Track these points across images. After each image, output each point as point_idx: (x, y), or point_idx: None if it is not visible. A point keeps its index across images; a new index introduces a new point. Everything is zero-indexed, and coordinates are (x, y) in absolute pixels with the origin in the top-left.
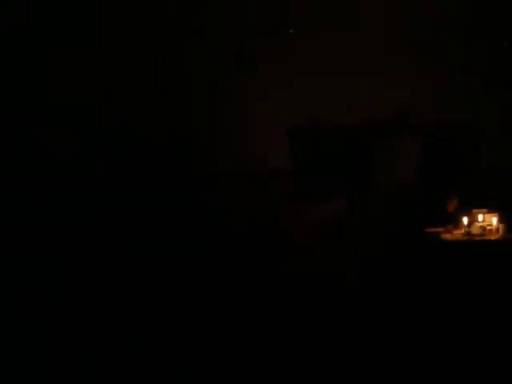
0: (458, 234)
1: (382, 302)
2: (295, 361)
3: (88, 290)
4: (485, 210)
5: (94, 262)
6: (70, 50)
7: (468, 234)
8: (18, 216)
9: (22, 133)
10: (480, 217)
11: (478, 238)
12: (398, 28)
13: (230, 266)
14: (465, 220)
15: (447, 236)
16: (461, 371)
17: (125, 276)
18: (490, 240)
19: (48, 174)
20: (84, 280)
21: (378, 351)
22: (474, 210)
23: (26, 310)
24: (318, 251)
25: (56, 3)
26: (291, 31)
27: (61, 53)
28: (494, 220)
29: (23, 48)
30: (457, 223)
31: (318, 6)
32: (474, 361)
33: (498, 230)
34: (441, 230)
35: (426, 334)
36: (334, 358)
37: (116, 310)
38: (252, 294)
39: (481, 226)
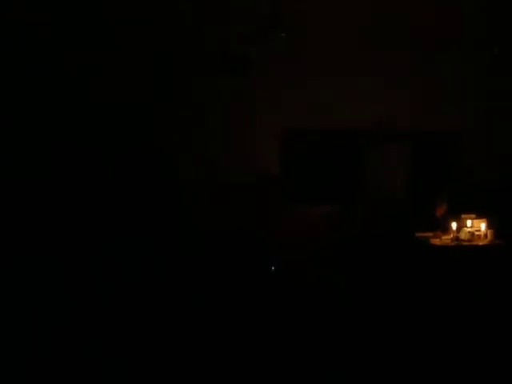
0: (446, 239)
1: (370, 306)
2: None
3: (80, 291)
4: (473, 216)
5: (88, 263)
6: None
7: (456, 239)
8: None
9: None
10: (468, 222)
11: (466, 244)
12: (389, 37)
13: (219, 269)
14: (453, 225)
15: (436, 241)
16: (449, 376)
17: (109, 279)
18: (478, 245)
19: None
20: (76, 281)
21: (367, 355)
22: (463, 216)
23: None
24: (307, 256)
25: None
26: (283, 35)
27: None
28: (483, 226)
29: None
30: (445, 228)
31: (310, 10)
32: (462, 366)
33: (486, 235)
34: (430, 235)
35: (414, 337)
36: (322, 363)
37: (95, 313)
38: (240, 299)
39: (469, 232)
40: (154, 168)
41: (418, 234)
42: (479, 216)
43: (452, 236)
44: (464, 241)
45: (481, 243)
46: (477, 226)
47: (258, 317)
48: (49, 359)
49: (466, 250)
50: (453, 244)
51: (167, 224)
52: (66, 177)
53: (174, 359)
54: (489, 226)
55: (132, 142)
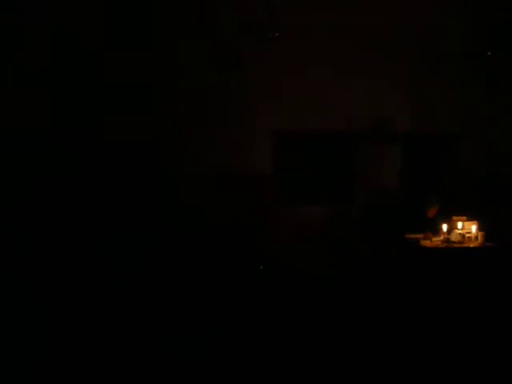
0: (437, 240)
1: (365, 305)
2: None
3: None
4: (464, 218)
5: (84, 260)
6: None
7: (447, 241)
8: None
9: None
10: (459, 224)
11: (456, 246)
12: (385, 38)
13: (213, 266)
14: (444, 227)
15: (426, 243)
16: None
17: (106, 274)
18: (469, 247)
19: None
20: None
21: (363, 353)
22: (454, 218)
23: None
24: (300, 255)
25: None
26: (277, 34)
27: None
28: (473, 228)
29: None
30: (436, 230)
31: (306, 10)
32: (450, 368)
33: (476, 237)
34: (420, 236)
35: (404, 339)
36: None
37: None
38: (234, 294)
39: (460, 234)
40: (151, 163)
41: (408, 236)
42: (471, 218)
43: (442, 238)
44: (455, 243)
45: (471, 245)
46: (467, 228)
47: (251, 314)
48: (48, 357)
49: (457, 252)
50: (443, 246)
51: (163, 219)
52: (65, 175)
53: (171, 357)
54: (479, 228)
55: (131, 139)
